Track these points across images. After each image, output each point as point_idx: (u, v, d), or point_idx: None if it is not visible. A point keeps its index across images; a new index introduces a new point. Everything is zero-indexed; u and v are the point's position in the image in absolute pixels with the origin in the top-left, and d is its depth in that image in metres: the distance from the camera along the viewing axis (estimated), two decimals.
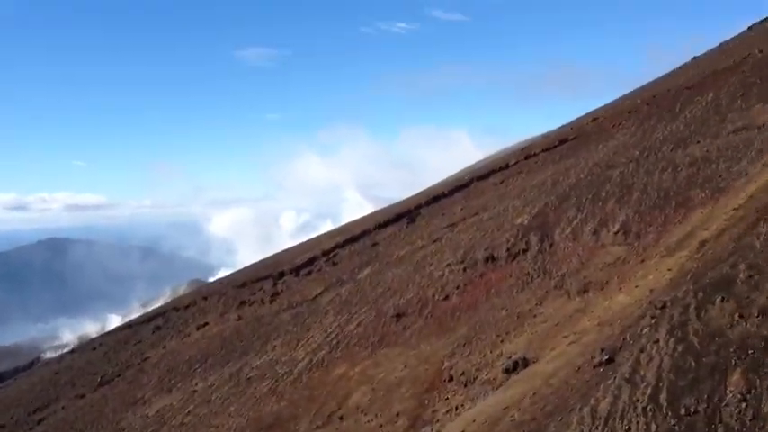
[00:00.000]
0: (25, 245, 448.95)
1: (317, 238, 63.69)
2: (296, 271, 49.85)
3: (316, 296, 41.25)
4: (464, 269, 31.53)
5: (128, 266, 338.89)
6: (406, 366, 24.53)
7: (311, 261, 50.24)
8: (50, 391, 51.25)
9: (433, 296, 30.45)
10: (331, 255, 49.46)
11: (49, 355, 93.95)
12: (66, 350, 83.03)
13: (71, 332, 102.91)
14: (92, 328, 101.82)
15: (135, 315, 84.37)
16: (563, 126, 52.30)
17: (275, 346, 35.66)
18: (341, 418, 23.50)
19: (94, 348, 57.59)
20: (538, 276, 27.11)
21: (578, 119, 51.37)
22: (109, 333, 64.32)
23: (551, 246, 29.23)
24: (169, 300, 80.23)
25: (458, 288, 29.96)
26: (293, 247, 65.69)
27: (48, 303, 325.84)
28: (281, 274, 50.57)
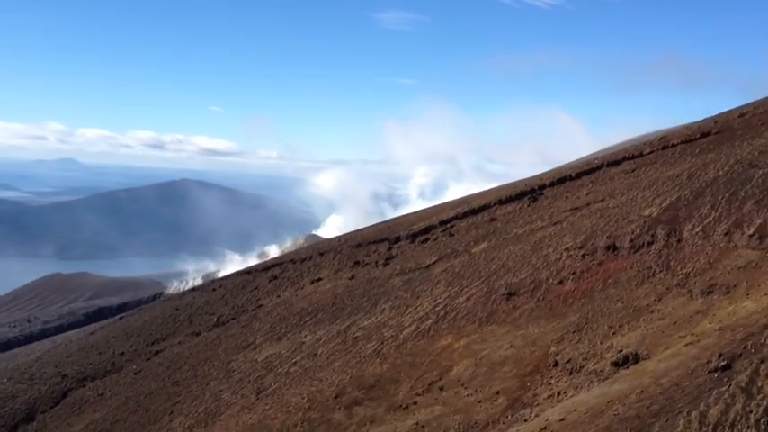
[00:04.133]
0: (157, 183, 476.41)
1: (437, 206, 63.67)
2: (412, 237, 50.10)
3: (429, 265, 41.33)
4: (583, 255, 30.74)
5: (245, 213, 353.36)
6: (511, 346, 24.27)
7: (428, 229, 50.33)
8: (169, 325, 54.03)
9: (548, 279, 29.89)
10: (448, 225, 49.36)
11: (172, 290, 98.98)
12: (187, 287, 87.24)
13: (193, 270, 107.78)
14: (212, 268, 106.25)
15: (252, 262, 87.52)
16: (705, 119, 49.68)
17: (384, 309, 36.07)
18: (441, 388, 23.57)
19: (214, 290, 60.13)
20: (660, 272, 26.07)
21: (723, 113, 48.63)
22: (228, 276, 66.95)
23: (679, 242, 28.00)
24: (286, 251, 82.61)
25: (574, 274, 29.27)
26: (411, 214, 66.00)
27: (169, 241, 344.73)
28: (397, 239, 50.99)
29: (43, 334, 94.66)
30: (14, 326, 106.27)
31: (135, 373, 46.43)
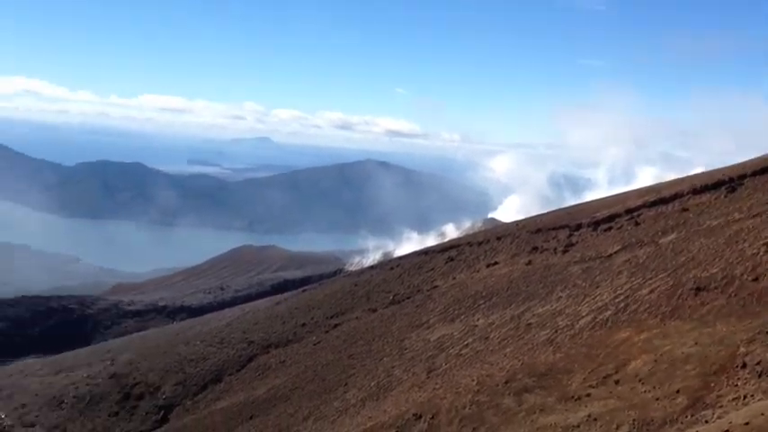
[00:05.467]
0: (342, 163, 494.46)
1: (622, 194, 61.04)
2: (594, 225, 48.38)
3: (611, 254, 39.74)
4: None
5: (424, 195, 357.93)
6: (696, 343, 22.77)
7: (612, 217, 48.36)
8: (348, 300, 55.71)
9: (742, 275, 27.76)
10: (634, 214, 47.14)
11: (351, 266, 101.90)
12: (366, 265, 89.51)
13: (372, 248, 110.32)
14: (390, 246, 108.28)
15: (429, 242, 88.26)
16: None
17: (560, 297, 35.14)
18: (616, 382, 22.56)
19: (391, 268, 61.25)
20: None
21: None
22: (406, 256, 67.95)
23: None
24: (464, 233, 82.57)
25: None
26: (594, 201, 63.81)
27: (350, 219, 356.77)
28: (579, 226, 49.42)
29: (233, 302, 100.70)
30: (209, 292, 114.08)
31: (314, 344, 48.37)
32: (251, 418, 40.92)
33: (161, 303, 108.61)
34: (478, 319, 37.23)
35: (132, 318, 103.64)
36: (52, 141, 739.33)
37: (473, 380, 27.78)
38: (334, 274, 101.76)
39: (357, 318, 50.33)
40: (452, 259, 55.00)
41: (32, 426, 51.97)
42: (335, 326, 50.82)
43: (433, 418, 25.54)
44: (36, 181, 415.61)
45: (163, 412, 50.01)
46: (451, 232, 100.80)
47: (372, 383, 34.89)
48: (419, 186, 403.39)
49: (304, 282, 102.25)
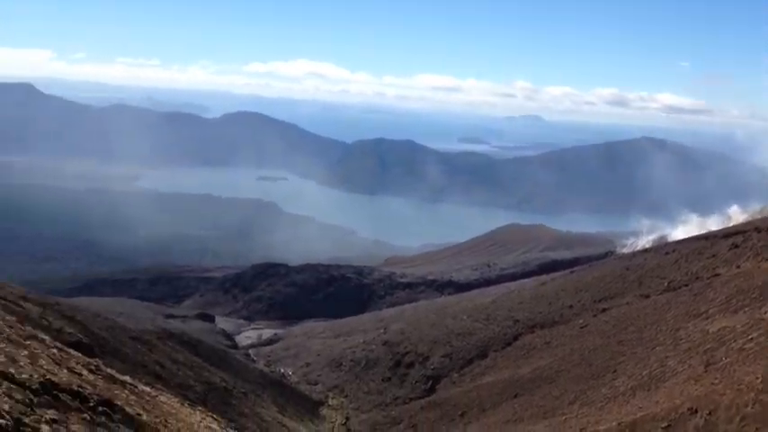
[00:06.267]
0: (614, 141, 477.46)
1: None
2: None
3: None
4: None
5: (703, 175, 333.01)
6: None
7: None
8: (618, 284, 54.00)
9: None
10: None
11: (622, 249, 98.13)
12: (638, 248, 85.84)
13: (645, 230, 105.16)
14: (666, 229, 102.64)
15: (710, 227, 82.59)
16: None
17: None
18: None
19: (667, 253, 58.28)
20: None
21: None
22: (683, 241, 64.26)
23: None
24: (751, 218, 76.07)
25: None
26: None
27: (620, 199, 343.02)
28: None
29: (499, 279, 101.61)
30: (476, 269, 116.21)
31: (581, 327, 47.59)
32: (515, 396, 41.36)
33: (430, 277, 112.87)
34: (765, 313, 34.26)
35: (404, 289, 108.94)
36: (334, 120, 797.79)
37: (757, 377, 25.72)
38: (604, 256, 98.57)
39: (628, 303, 48.62)
40: (737, 246, 50.99)
41: (315, 384, 56.91)
42: (604, 310, 49.53)
43: (710, 414, 24.10)
44: (321, 157, 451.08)
45: (431, 382, 52.22)
46: (737, 216, 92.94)
47: (644, 372, 33.61)
48: (699, 166, 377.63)
49: (572, 263, 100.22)
